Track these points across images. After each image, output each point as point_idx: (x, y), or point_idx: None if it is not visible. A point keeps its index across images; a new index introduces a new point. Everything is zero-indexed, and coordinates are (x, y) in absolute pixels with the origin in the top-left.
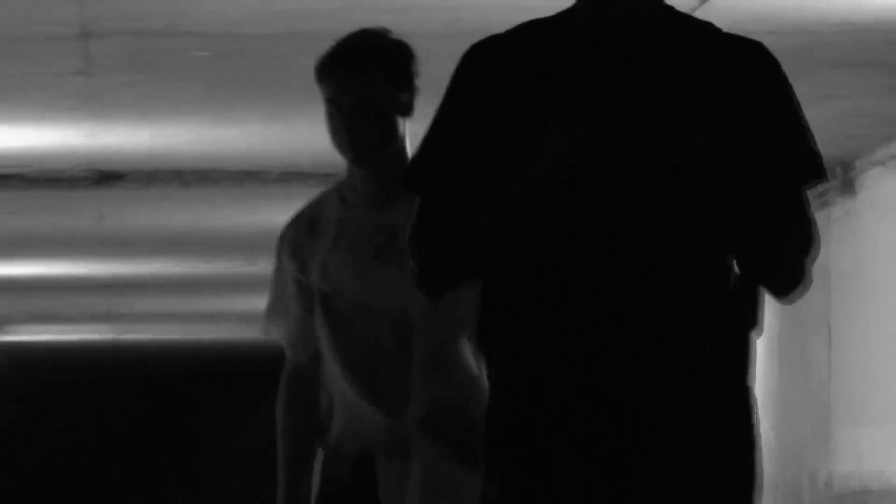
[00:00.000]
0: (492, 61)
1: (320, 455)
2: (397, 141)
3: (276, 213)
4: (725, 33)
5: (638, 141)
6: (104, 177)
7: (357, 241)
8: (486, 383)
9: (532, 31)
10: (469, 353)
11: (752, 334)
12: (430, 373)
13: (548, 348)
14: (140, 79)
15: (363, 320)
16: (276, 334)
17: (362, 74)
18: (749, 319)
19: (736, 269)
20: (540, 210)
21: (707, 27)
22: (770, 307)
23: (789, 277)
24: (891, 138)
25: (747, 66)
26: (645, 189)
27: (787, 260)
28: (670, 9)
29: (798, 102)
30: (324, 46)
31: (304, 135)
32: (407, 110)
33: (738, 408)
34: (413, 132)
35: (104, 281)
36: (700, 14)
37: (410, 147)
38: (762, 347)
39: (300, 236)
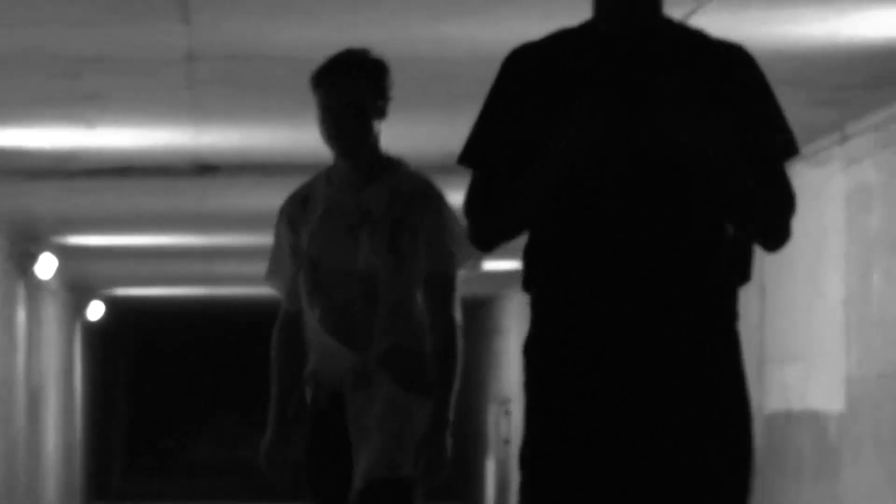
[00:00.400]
0: (528, 61)
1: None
2: (373, 138)
3: None
4: (714, 38)
5: (649, 122)
6: (203, 169)
7: (338, 216)
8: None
9: (561, 38)
10: (419, 307)
11: (743, 285)
12: (390, 322)
13: (577, 290)
14: (233, 93)
15: (340, 279)
16: (275, 285)
17: (348, 85)
18: (745, 272)
19: (731, 230)
20: (568, 177)
21: (699, 33)
22: None
23: (779, 234)
24: (809, 140)
25: (734, 63)
26: (656, 162)
27: (776, 221)
28: (669, 18)
29: (774, 93)
30: None
31: None
32: (382, 114)
33: (731, 344)
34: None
35: (202, 249)
36: None
37: (382, 143)
38: None
39: (295, 210)
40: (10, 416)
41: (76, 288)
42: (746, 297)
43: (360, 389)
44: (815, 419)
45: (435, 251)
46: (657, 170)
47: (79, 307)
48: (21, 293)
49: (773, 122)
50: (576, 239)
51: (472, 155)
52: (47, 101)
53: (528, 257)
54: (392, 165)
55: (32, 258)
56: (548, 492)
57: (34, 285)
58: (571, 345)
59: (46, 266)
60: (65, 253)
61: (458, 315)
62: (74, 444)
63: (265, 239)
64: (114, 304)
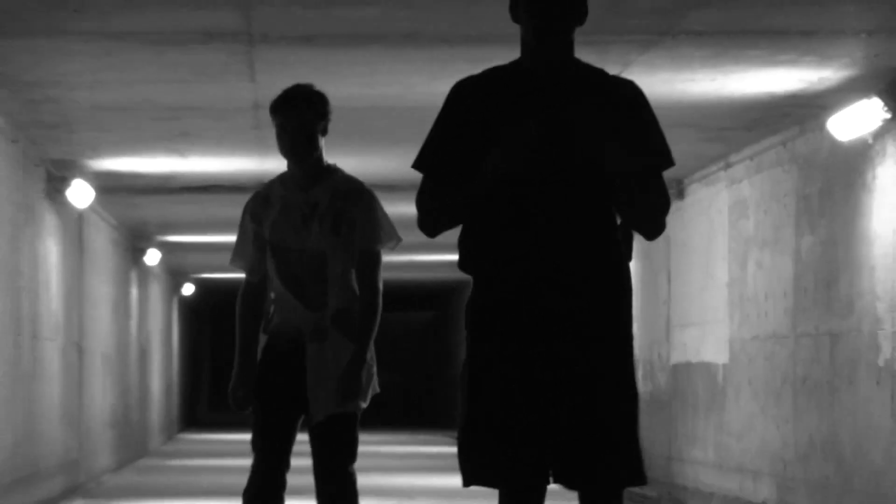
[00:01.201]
0: (469, 91)
1: (262, 339)
2: (318, 150)
3: None
4: (612, 75)
5: (562, 140)
6: None
7: (294, 209)
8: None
9: (495, 72)
10: (354, 278)
11: (628, 262)
12: (337, 287)
13: (504, 266)
14: None
15: (297, 256)
16: (238, 266)
17: (298, 111)
18: (628, 253)
19: (619, 220)
20: (500, 183)
21: (601, 71)
22: (636, 257)
23: (656, 228)
24: (702, 166)
25: (627, 95)
26: (565, 171)
27: (655, 217)
28: (577, 59)
29: (656, 118)
30: (383, 117)
31: (374, 164)
32: (324, 132)
33: (622, 306)
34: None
35: None
36: None
37: (325, 153)
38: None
39: (257, 206)
40: (126, 366)
41: (174, 273)
42: (658, 281)
43: (316, 341)
44: (707, 368)
45: (366, 235)
46: (566, 177)
47: (176, 287)
48: (134, 277)
49: (655, 140)
50: (501, 229)
51: (422, 163)
52: (152, 137)
53: (463, 244)
54: (332, 171)
55: (142, 251)
56: (480, 389)
57: (143, 271)
58: (498, 305)
59: (152, 257)
60: (166, 247)
61: (380, 283)
62: (172, 386)
63: None
64: (201, 285)
